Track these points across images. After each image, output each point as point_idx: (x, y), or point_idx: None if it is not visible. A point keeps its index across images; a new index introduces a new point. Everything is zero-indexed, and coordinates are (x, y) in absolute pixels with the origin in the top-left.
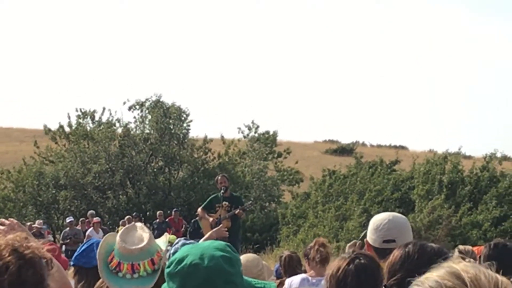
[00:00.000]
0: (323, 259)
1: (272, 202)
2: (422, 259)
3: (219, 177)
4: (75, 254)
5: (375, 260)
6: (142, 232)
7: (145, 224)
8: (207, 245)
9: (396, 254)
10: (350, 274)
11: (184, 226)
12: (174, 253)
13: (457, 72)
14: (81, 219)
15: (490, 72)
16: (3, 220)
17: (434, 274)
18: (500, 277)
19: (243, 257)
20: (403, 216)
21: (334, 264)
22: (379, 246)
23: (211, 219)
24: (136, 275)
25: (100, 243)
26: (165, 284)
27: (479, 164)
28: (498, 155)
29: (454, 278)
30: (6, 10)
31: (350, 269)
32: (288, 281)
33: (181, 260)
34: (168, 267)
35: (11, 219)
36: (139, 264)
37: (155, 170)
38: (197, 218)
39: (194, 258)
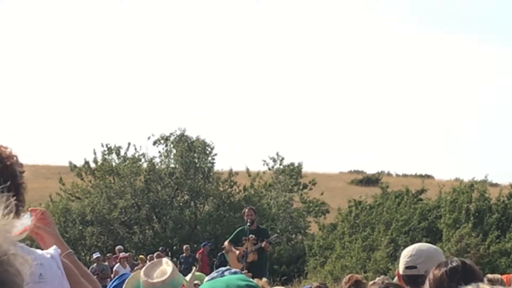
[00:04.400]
0: None
1: (298, 234)
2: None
3: (246, 210)
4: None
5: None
6: (166, 266)
7: (171, 259)
8: (229, 277)
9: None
10: None
11: (210, 260)
12: None
13: (481, 98)
14: (107, 254)
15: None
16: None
17: None
18: None
19: None
20: (432, 246)
21: None
22: (402, 273)
23: (237, 252)
24: None
25: (128, 279)
26: None
27: (506, 192)
28: None
29: None
30: (30, 43)
31: None
32: None
33: None
34: None
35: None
36: None
37: (181, 204)
38: (223, 251)
39: None
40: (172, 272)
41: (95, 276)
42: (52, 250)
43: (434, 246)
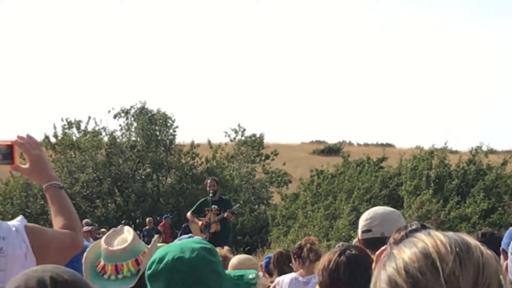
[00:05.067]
0: (317, 258)
1: (261, 204)
2: None
3: (209, 181)
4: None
5: (364, 250)
6: (127, 234)
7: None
8: (184, 241)
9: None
10: (342, 265)
11: (173, 232)
12: None
13: (441, 68)
14: None
15: (474, 67)
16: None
17: (412, 258)
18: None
19: (236, 258)
20: (388, 208)
21: (325, 258)
22: (360, 237)
23: (200, 223)
24: (120, 276)
25: (89, 248)
26: None
27: (465, 158)
28: (484, 148)
29: (425, 259)
30: None
31: (341, 260)
32: (278, 279)
33: (162, 258)
34: (149, 268)
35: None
36: (122, 265)
37: (143, 177)
38: (188, 223)
39: (175, 253)
40: (133, 239)
41: None
42: (18, 222)
43: (390, 209)
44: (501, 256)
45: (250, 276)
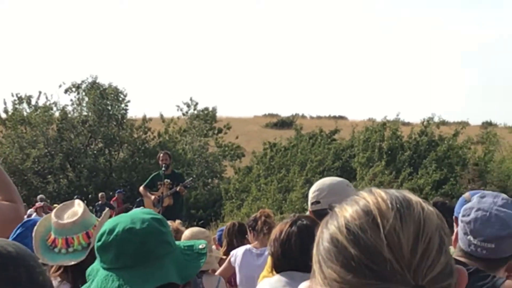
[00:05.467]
0: (271, 230)
1: (214, 178)
2: None
3: (161, 154)
4: (10, 237)
5: (316, 220)
6: (78, 207)
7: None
8: (134, 212)
9: None
10: (293, 235)
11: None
12: None
13: (392, 40)
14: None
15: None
16: None
17: (353, 216)
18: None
19: (188, 230)
20: (336, 178)
21: (277, 229)
22: (310, 209)
23: (153, 197)
24: (71, 249)
25: (39, 222)
26: (95, 264)
27: (417, 130)
28: (436, 119)
29: (366, 216)
30: None
31: (292, 230)
32: (233, 252)
33: (112, 230)
34: (99, 240)
35: None
36: (73, 238)
37: (95, 152)
38: (142, 197)
39: (125, 224)
40: (83, 213)
41: None
42: None
43: (338, 179)
44: (454, 224)
45: (200, 246)
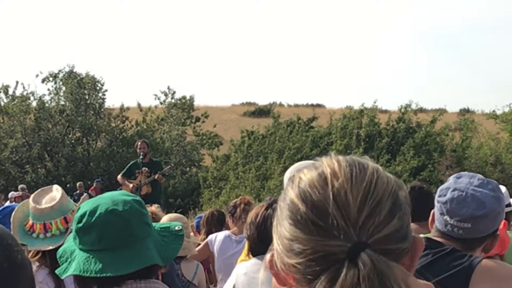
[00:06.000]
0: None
1: (192, 167)
2: None
3: (139, 143)
4: None
5: None
6: (56, 192)
7: None
8: (113, 193)
9: None
10: (269, 218)
11: None
12: None
13: (369, 31)
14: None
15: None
16: None
17: (307, 177)
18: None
19: (166, 216)
20: (308, 162)
21: (253, 212)
22: None
23: (131, 185)
24: (49, 234)
25: (17, 207)
26: (67, 245)
27: (395, 117)
28: (413, 106)
29: (318, 176)
30: None
31: (268, 213)
32: (211, 236)
33: (93, 211)
34: (80, 222)
35: None
36: (51, 223)
37: (72, 141)
38: (121, 187)
39: (108, 205)
40: (61, 198)
41: None
42: None
43: (310, 162)
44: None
45: (176, 228)
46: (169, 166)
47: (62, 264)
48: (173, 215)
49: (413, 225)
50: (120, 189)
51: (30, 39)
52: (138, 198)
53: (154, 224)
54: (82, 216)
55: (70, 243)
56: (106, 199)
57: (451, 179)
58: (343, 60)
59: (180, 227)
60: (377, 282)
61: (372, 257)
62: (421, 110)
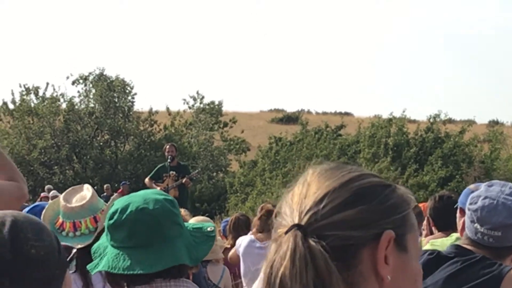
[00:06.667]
0: (268, 227)
1: (219, 172)
2: None
3: (167, 146)
4: None
5: None
6: (86, 191)
7: None
8: (145, 192)
9: None
10: None
11: None
12: None
13: (398, 37)
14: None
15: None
16: None
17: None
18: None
19: (194, 218)
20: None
21: None
22: None
23: (158, 188)
24: (78, 233)
25: (48, 205)
26: (101, 241)
27: (423, 127)
28: (442, 117)
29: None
30: None
31: None
32: (238, 240)
33: (125, 209)
34: (111, 218)
35: None
36: (80, 222)
37: (101, 144)
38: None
39: (138, 204)
40: (91, 197)
41: None
42: None
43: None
44: (458, 215)
45: (209, 229)
46: (197, 171)
47: (95, 259)
48: (200, 217)
49: (439, 235)
50: None
51: (61, 41)
52: (170, 197)
53: (186, 224)
54: (114, 213)
55: (104, 239)
56: (138, 197)
57: (482, 187)
58: (372, 69)
59: (212, 228)
60: (288, 256)
61: (297, 237)
62: (450, 121)
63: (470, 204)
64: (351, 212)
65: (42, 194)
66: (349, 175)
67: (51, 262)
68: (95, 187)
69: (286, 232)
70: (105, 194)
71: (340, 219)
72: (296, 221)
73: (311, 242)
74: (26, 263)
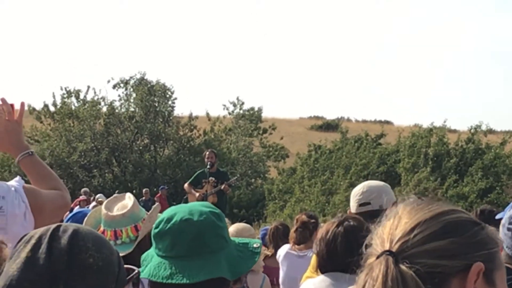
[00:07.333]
0: (311, 234)
1: (258, 178)
2: None
3: (207, 152)
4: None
5: (363, 221)
6: (128, 200)
7: None
8: (193, 203)
9: None
10: (340, 236)
11: (170, 204)
12: None
13: (439, 47)
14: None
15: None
16: None
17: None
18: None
19: (234, 226)
20: (380, 182)
21: (324, 228)
22: (356, 211)
23: (197, 194)
24: (119, 241)
25: (89, 213)
26: (151, 250)
27: (464, 137)
28: (483, 127)
29: None
30: None
31: (339, 231)
32: (279, 250)
33: (170, 218)
34: (157, 227)
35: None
36: (121, 231)
37: (140, 148)
38: (187, 195)
39: (183, 214)
40: (133, 206)
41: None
42: (16, 182)
43: (382, 182)
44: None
45: (255, 245)
46: (236, 177)
47: (142, 267)
48: (240, 225)
49: None
50: (186, 198)
51: (103, 45)
52: (217, 211)
53: (234, 238)
54: (160, 222)
55: (153, 247)
56: (184, 208)
57: None
58: (412, 77)
59: (259, 245)
60: (380, 279)
61: (388, 261)
62: (491, 131)
63: (510, 224)
64: (441, 243)
65: (80, 198)
66: (439, 209)
67: (108, 275)
68: (134, 191)
69: (378, 257)
70: (143, 198)
71: (430, 248)
72: (387, 248)
73: (403, 267)
74: (82, 271)
